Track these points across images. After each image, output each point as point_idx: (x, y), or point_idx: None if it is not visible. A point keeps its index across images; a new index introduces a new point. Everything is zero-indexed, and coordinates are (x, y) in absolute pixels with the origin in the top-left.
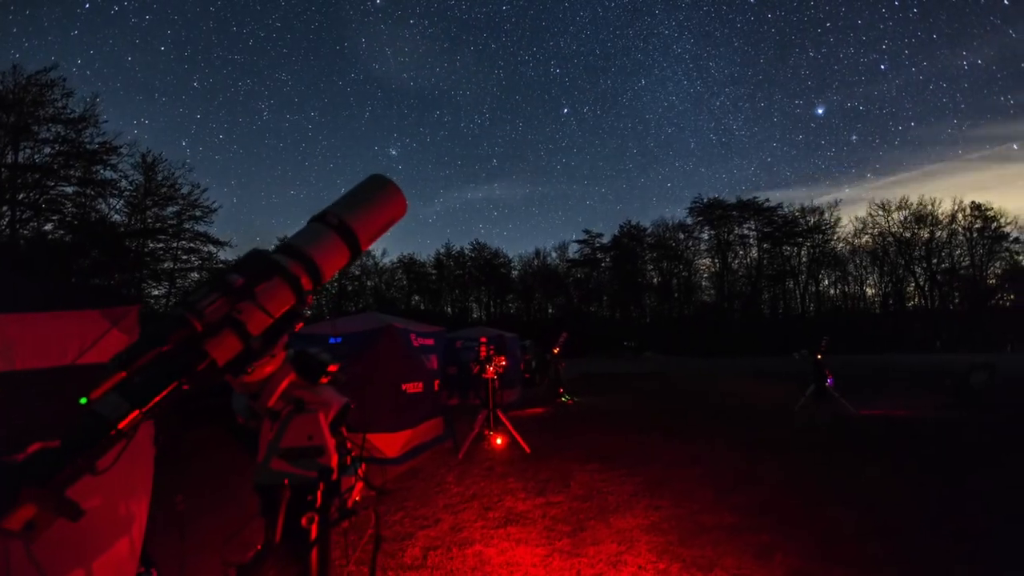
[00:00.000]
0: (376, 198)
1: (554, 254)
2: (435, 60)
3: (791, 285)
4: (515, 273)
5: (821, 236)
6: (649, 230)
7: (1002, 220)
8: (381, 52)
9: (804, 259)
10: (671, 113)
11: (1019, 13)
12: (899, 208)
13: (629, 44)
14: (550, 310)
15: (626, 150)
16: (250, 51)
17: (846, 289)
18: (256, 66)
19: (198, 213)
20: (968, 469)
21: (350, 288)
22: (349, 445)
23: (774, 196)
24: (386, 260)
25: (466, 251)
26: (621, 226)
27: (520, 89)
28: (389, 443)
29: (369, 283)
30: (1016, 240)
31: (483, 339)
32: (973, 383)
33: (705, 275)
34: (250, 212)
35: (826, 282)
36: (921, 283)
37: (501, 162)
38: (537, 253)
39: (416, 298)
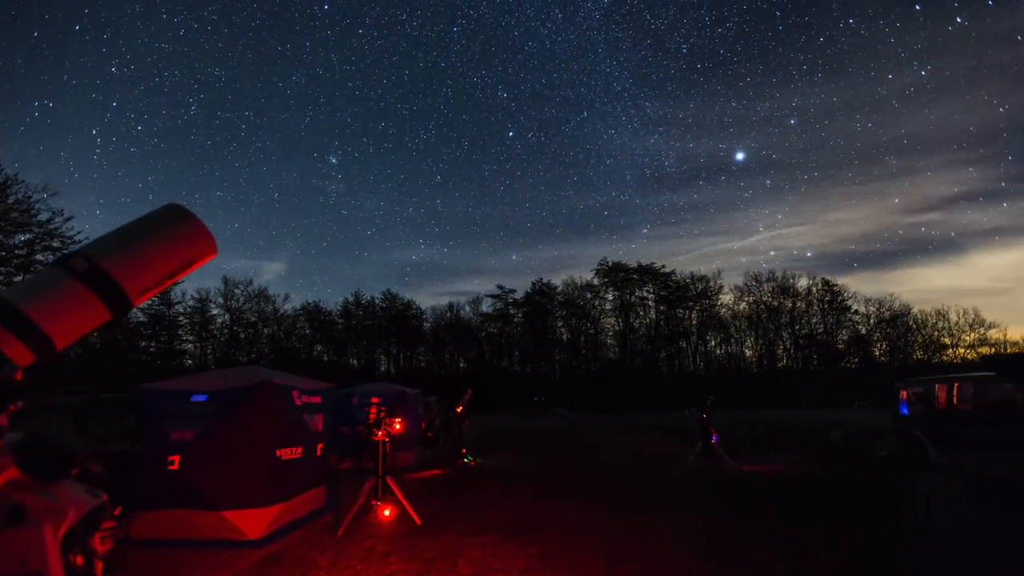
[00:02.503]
0: (160, 237)
1: (467, 307)
2: (383, 72)
3: (684, 345)
4: (427, 325)
5: (707, 301)
6: (559, 288)
7: (845, 295)
8: (326, 57)
9: (695, 321)
10: (610, 145)
11: (902, 86)
12: (768, 280)
13: (573, 78)
14: (462, 364)
15: (567, 177)
16: (180, 41)
17: (729, 350)
18: (186, 58)
19: (56, 244)
20: (836, 524)
21: (243, 336)
22: (100, 567)
23: (699, 231)
24: (288, 307)
25: (376, 300)
26: (533, 283)
27: (467, 109)
28: (253, 521)
29: (266, 331)
30: (856, 312)
31: (375, 399)
32: (831, 439)
33: (610, 333)
34: None
35: (713, 343)
36: (788, 346)
37: (445, 178)
38: (451, 306)
39: (319, 348)
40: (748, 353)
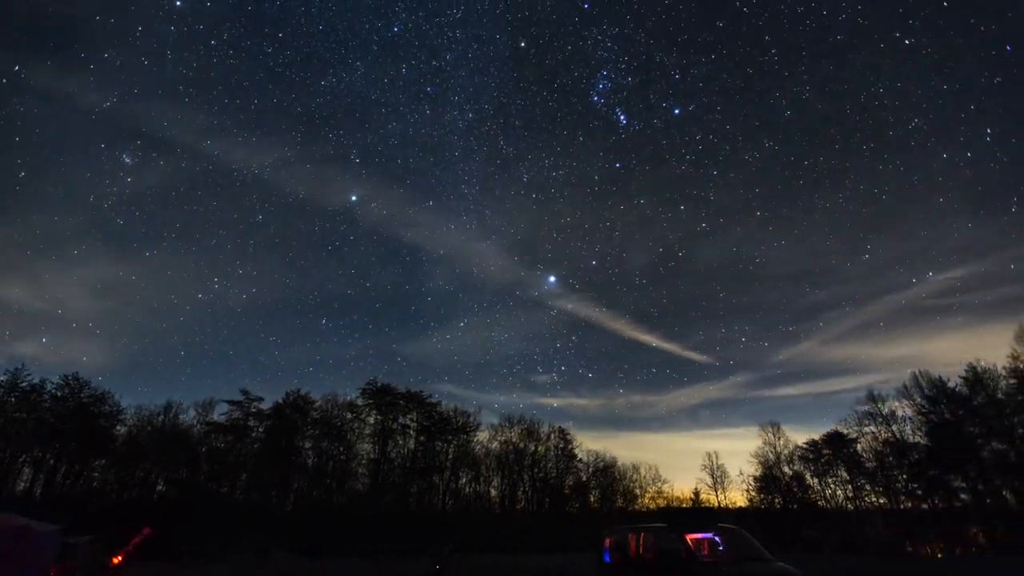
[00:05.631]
0: None
1: (192, 412)
2: (227, 91)
3: (437, 480)
4: (123, 429)
5: (465, 437)
6: (317, 403)
7: (575, 444)
8: (159, 50)
9: (451, 456)
10: (446, 239)
11: (666, 256)
12: (518, 422)
13: (427, 167)
14: (160, 487)
15: (399, 256)
16: None
17: (478, 488)
18: None
19: None
20: None
21: None
22: None
23: (508, 336)
24: None
25: (50, 386)
26: (288, 392)
27: (314, 159)
28: None
29: None
30: (580, 460)
31: None
32: None
33: (363, 461)
34: None
35: (464, 480)
36: (527, 488)
37: (267, 220)
38: (168, 407)
39: None
40: (493, 493)
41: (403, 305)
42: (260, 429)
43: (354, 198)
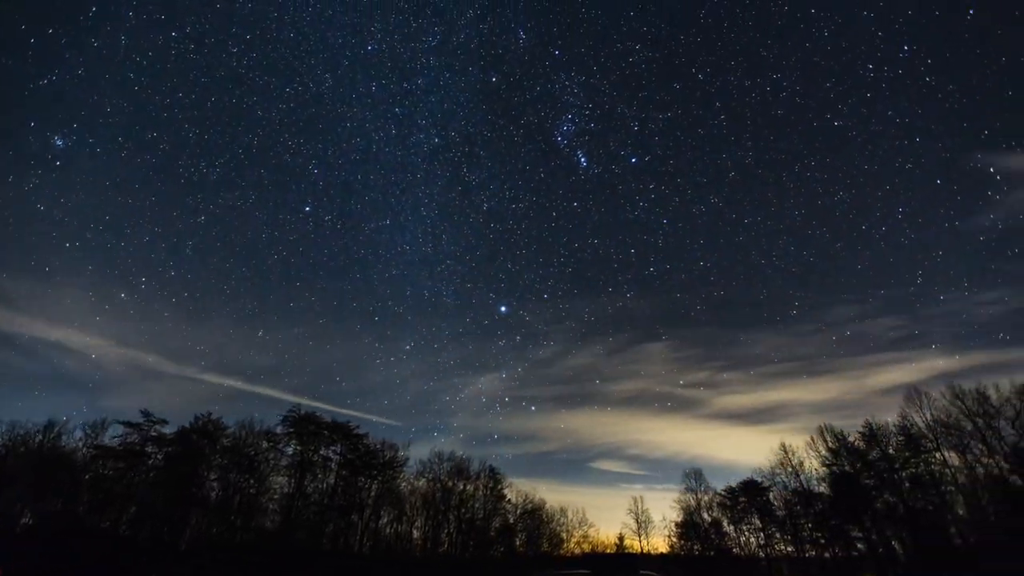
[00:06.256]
0: None
1: (78, 432)
2: (181, 83)
3: (356, 519)
4: None
5: (391, 472)
6: (230, 430)
7: (504, 484)
8: (113, 34)
9: (373, 493)
10: (401, 259)
11: (616, 298)
12: (448, 459)
13: (387, 186)
14: (26, 519)
15: (350, 271)
16: None
17: (399, 529)
18: None
19: None
20: None
21: None
22: None
23: (454, 362)
24: None
25: None
26: (197, 416)
27: (268, 166)
28: None
29: None
30: (509, 500)
31: None
32: None
33: (276, 496)
34: None
35: (385, 519)
36: (452, 530)
37: (211, 222)
38: (49, 426)
39: None
40: (416, 534)
41: (349, 323)
42: (159, 456)
43: (308, 208)
